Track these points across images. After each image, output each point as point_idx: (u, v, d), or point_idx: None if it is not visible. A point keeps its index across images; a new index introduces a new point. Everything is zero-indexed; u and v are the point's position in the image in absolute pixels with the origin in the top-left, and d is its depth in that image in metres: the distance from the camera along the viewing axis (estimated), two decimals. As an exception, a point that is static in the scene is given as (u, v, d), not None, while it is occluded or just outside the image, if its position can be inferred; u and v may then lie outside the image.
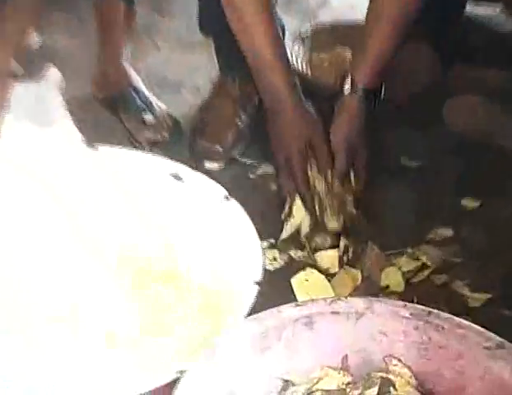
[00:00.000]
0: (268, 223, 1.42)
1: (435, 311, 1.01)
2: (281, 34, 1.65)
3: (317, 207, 1.46)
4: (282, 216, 1.48)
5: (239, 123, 1.73)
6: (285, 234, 1.44)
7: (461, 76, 1.83)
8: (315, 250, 1.40)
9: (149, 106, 1.79)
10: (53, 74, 1.47)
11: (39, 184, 1.30)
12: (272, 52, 1.49)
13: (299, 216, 1.45)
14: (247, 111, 1.76)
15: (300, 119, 1.51)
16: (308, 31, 1.94)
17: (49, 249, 1.23)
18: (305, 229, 1.43)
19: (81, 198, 1.30)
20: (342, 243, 1.39)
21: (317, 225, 1.45)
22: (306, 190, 1.47)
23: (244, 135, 1.73)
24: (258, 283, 1.08)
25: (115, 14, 1.79)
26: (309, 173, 1.47)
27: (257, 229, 1.18)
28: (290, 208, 1.46)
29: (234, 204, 1.24)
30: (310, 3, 2.19)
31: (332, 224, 1.42)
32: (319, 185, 1.46)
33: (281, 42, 1.55)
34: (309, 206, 1.45)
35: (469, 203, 1.53)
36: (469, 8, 2.00)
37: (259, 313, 1.00)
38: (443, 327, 0.97)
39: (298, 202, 1.45)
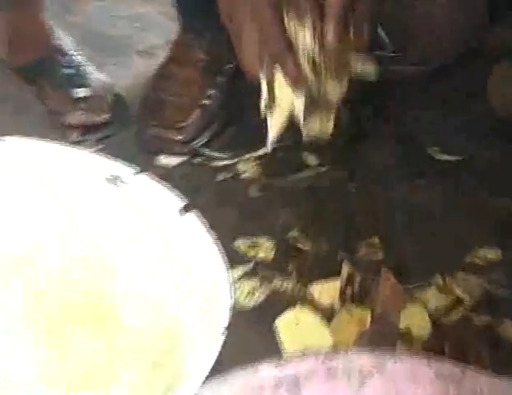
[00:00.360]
0: (243, 243, 1.45)
1: (471, 370, 1.00)
2: None
3: (309, 72, 1.40)
4: (262, 108, 1.44)
5: (206, 102, 1.75)
6: (271, 138, 1.43)
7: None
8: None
9: (81, 76, 1.80)
10: None
11: None
12: None
13: (285, 97, 1.40)
14: (217, 84, 1.78)
15: None
16: None
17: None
18: (300, 112, 1.38)
19: None
20: (346, 270, 1.39)
21: (314, 102, 1.41)
22: (287, 50, 1.39)
23: (212, 118, 1.75)
24: (225, 328, 1.06)
25: None
26: (289, 25, 1.40)
27: (226, 252, 1.17)
28: (271, 89, 1.42)
29: (193, 218, 1.23)
30: None
31: (335, 90, 1.39)
32: (306, 39, 1.44)
33: None
34: (296, 76, 1.40)
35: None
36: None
37: (228, 374, 0.97)
38: (482, 392, 0.97)
39: (279, 76, 1.41)
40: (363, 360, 1.00)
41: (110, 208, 1.31)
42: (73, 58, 1.83)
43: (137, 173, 1.33)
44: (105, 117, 1.76)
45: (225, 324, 1.07)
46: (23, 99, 1.78)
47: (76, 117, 1.75)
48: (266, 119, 1.43)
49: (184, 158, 1.67)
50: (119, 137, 1.69)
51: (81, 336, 1.21)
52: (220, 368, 0.99)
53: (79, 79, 1.80)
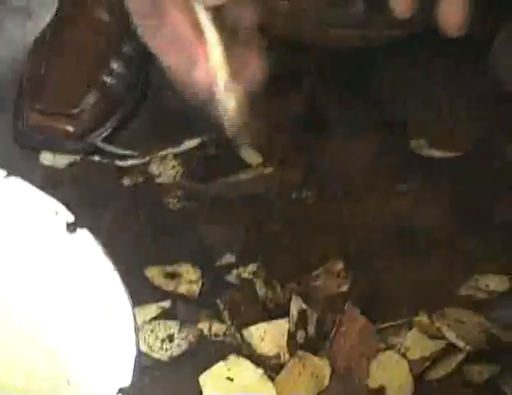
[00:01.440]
0: (158, 273, 1.46)
1: None
2: None
3: None
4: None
5: (108, 79, 1.78)
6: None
7: None
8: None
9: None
10: None
11: None
12: None
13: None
14: (123, 54, 1.82)
15: None
16: None
17: None
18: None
19: None
20: (296, 306, 1.40)
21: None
22: None
23: (116, 102, 1.78)
24: (125, 389, 1.08)
25: None
26: None
27: (134, 284, 1.15)
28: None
29: (87, 238, 1.20)
30: None
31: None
32: None
33: None
34: None
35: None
36: None
37: None
38: None
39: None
40: None
41: None
42: None
43: (7, 176, 1.37)
44: None
45: (127, 383, 1.11)
46: None
47: None
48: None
49: (78, 156, 1.66)
50: None
51: None
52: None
53: None
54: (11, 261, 1.25)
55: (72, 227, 1.20)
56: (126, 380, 1.05)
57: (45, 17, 1.84)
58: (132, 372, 1.04)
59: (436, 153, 1.68)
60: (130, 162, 1.66)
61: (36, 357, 1.19)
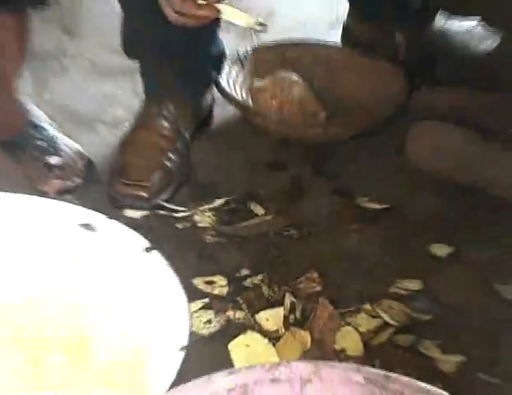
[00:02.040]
0: (201, 281, 1.46)
1: (394, 375, 1.02)
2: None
3: None
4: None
5: (168, 164, 1.74)
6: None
7: (429, 99, 1.89)
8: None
9: (54, 146, 1.78)
10: None
11: None
12: None
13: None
14: (177, 148, 1.78)
15: None
16: (248, 52, 1.99)
17: None
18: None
19: None
20: (288, 300, 1.41)
21: None
22: None
23: (172, 177, 1.74)
24: (184, 347, 1.08)
25: (1, 31, 1.73)
26: None
27: (187, 288, 1.19)
28: None
29: (157, 258, 1.25)
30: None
31: None
32: None
33: None
34: None
35: (440, 250, 1.56)
36: (442, 22, 2.10)
37: (186, 384, 1.01)
38: (403, 394, 1.00)
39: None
40: (302, 368, 1.04)
41: (83, 250, 1.31)
42: (46, 130, 1.79)
43: (108, 218, 1.34)
44: (78, 181, 1.73)
45: (185, 343, 1.09)
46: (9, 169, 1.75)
47: (52, 184, 1.73)
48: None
49: (149, 211, 1.65)
50: (91, 196, 1.66)
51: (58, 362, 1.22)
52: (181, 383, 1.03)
53: (52, 149, 1.76)
54: (110, 273, 1.30)
55: (148, 249, 1.25)
56: (185, 341, 1.09)
57: (124, 127, 1.83)
58: (187, 340, 1.10)
59: (375, 205, 1.68)
60: (181, 214, 1.64)
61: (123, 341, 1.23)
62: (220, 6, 1.49)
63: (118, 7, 1.74)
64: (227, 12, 1.49)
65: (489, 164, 1.68)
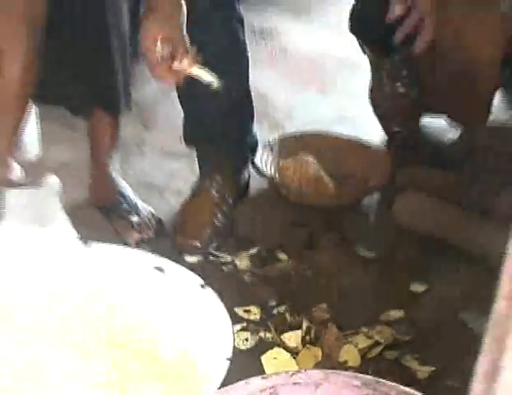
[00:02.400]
0: (241, 310, 1.47)
1: (383, 380, 1.06)
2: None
3: None
4: None
5: (216, 222, 1.73)
6: None
7: (411, 177, 1.86)
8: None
9: (135, 209, 1.77)
10: (52, 182, 1.54)
11: (34, 277, 1.35)
12: None
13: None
14: (223, 211, 1.76)
15: None
16: (275, 140, 1.97)
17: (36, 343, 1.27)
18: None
19: (73, 288, 1.34)
20: (305, 324, 1.42)
21: None
22: None
23: (219, 232, 1.72)
24: (229, 359, 1.11)
25: (101, 127, 1.76)
26: None
27: (230, 315, 1.22)
28: None
29: (209, 292, 1.26)
30: (278, 116, 2.21)
31: None
32: None
33: None
34: None
35: (418, 287, 1.56)
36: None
37: (230, 385, 1.05)
38: None
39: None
40: (315, 374, 1.08)
41: (156, 286, 1.33)
42: (129, 197, 1.78)
43: (173, 262, 1.35)
44: (151, 234, 1.73)
45: (229, 355, 1.12)
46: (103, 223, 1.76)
47: (133, 237, 1.72)
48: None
49: (202, 257, 1.64)
50: (160, 246, 1.65)
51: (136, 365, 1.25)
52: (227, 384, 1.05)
53: (133, 211, 1.76)
54: (175, 304, 1.31)
55: (203, 286, 1.27)
56: (229, 354, 1.12)
57: (185, 195, 1.81)
58: (231, 353, 1.12)
59: (370, 253, 1.67)
60: (226, 259, 1.64)
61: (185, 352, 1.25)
62: (193, 70, 1.39)
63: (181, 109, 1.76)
64: (197, 72, 1.39)
65: (464, 228, 1.66)
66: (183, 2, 1.39)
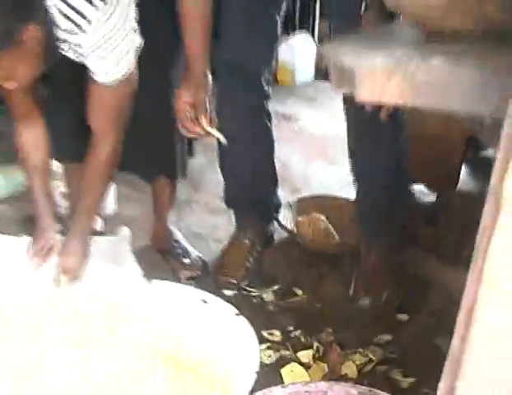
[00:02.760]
0: (266, 333, 1.46)
1: (375, 390, 1.08)
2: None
3: None
4: None
5: (248, 265, 1.72)
6: None
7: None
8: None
9: (186, 253, 1.75)
10: (125, 232, 1.56)
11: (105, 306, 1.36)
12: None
13: None
14: (253, 256, 1.75)
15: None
16: (294, 201, 1.96)
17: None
18: None
19: (137, 314, 1.34)
20: (315, 345, 1.41)
21: None
22: None
23: (250, 272, 1.71)
24: (256, 372, 1.12)
25: (161, 190, 1.73)
26: None
27: (257, 336, 1.24)
28: None
29: (242, 319, 1.28)
30: (296, 182, 2.22)
31: None
32: None
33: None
34: None
35: (402, 317, 1.54)
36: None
37: (256, 392, 1.07)
38: None
39: None
40: (322, 385, 1.09)
41: (202, 314, 1.34)
42: (182, 243, 1.77)
43: (214, 296, 1.36)
44: (198, 273, 1.71)
45: (256, 369, 1.14)
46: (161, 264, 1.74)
47: (184, 274, 1.69)
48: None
49: (237, 291, 1.63)
50: (204, 282, 1.64)
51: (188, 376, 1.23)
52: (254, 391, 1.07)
53: (185, 254, 1.74)
54: (214, 329, 1.30)
55: (237, 314, 1.26)
56: (256, 369, 1.11)
57: (224, 242, 1.79)
58: (258, 366, 1.13)
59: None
60: (255, 293, 1.63)
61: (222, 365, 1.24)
62: (209, 129, 1.44)
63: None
64: (212, 131, 1.44)
65: (440, 270, 1.64)
66: (210, 79, 1.44)
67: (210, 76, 1.44)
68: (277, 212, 1.87)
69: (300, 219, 1.89)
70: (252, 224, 1.77)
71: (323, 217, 1.87)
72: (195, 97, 1.43)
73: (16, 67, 1.11)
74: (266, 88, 1.65)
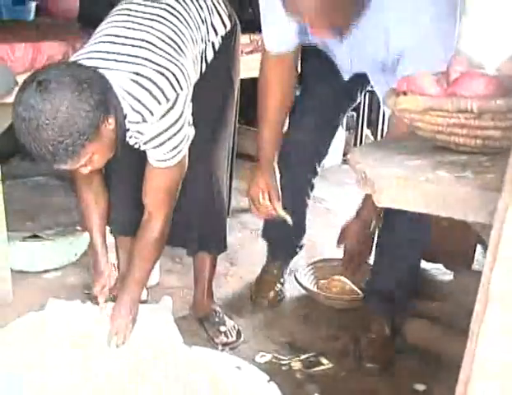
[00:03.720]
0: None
1: None
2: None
3: None
4: None
5: (277, 288, 1.88)
6: None
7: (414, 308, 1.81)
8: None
9: (222, 321, 1.77)
10: (167, 301, 1.58)
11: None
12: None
13: None
14: (282, 282, 1.92)
15: None
16: (312, 265, 2.03)
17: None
18: None
19: (178, 377, 1.36)
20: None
21: None
22: None
23: (280, 294, 1.86)
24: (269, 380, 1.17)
25: (202, 263, 1.76)
26: None
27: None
28: None
29: (273, 385, 1.32)
30: (319, 248, 2.23)
31: None
32: None
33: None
34: None
35: (419, 387, 1.55)
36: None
37: None
38: None
39: None
40: None
41: (236, 378, 1.36)
42: (219, 312, 1.77)
43: (248, 364, 1.39)
44: (234, 339, 1.71)
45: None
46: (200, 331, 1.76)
47: (221, 341, 1.69)
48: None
49: (268, 359, 1.62)
50: (239, 349, 1.64)
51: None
52: None
53: (221, 322, 1.74)
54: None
55: (268, 381, 1.29)
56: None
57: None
58: None
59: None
60: (285, 362, 1.62)
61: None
62: (278, 210, 1.57)
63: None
64: (280, 212, 1.56)
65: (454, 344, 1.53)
66: (277, 171, 1.56)
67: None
68: (301, 249, 1.99)
69: (321, 282, 1.96)
70: (279, 263, 1.91)
71: (340, 278, 1.93)
72: (269, 183, 1.54)
73: (96, 155, 1.21)
74: (318, 167, 1.80)
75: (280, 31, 1.42)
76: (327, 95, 1.63)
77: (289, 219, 1.58)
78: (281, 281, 1.91)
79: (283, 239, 1.90)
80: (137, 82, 1.25)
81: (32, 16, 2.48)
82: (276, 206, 1.54)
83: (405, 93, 0.83)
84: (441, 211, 0.71)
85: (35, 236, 2.02)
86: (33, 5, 2.49)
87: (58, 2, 2.60)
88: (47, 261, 2.02)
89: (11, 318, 1.47)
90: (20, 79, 1.60)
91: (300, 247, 1.97)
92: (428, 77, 0.82)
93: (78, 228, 2.07)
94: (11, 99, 1.57)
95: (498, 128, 0.76)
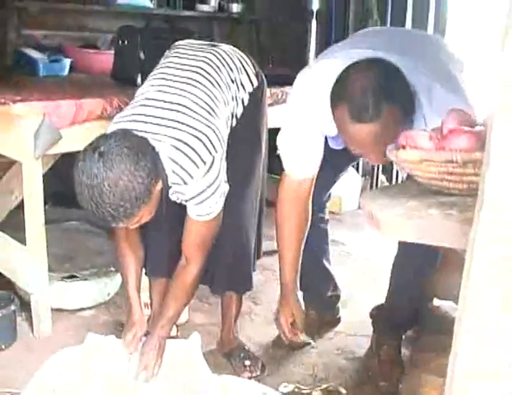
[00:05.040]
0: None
1: None
2: None
3: None
4: None
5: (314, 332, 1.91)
6: None
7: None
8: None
9: (247, 356, 1.83)
10: (196, 337, 1.64)
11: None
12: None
13: None
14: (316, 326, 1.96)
15: None
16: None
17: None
18: None
19: None
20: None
21: None
22: None
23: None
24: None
25: (230, 301, 1.83)
26: None
27: None
28: None
29: None
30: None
31: None
32: None
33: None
34: None
35: None
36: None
37: None
38: None
39: None
40: None
41: None
42: (244, 348, 1.84)
43: (275, 390, 1.50)
44: (258, 374, 1.81)
45: None
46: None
47: (246, 374, 1.76)
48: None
49: (291, 389, 1.69)
50: (263, 382, 1.66)
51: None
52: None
53: (247, 357, 1.82)
54: None
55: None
56: None
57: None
58: None
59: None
60: (306, 392, 1.71)
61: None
62: (301, 336, 1.69)
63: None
64: (303, 337, 1.68)
65: None
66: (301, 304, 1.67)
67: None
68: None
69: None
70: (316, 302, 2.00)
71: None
72: (295, 314, 1.67)
73: (145, 213, 1.36)
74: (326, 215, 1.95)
75: (304, 161, 1.53)
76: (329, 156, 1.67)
77: (313, 342, 1.74)
78: (316, 325, 1.96)
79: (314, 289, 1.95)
80: (177, 148, 1.38)
81: (66, 72, 2.69)
82: (300, 335, 1.66)
83: (404, 147, 1.04)
84: (432, 240, 0.90)
85: (72, 276, 2.17)
86: (68, 62, 2.72)
87: (91, 58, 2.84)
88: (82, 299, 2.17)
89: (52, 351, 1.55)
90: (63, 133, 1.85)
91: (338, 297, 2.05)
92: (423, 134, 1.03)
93: (112, 269, 2.22)
94: (52, 151, 1.82)
95: (479, 175, 0.94)
